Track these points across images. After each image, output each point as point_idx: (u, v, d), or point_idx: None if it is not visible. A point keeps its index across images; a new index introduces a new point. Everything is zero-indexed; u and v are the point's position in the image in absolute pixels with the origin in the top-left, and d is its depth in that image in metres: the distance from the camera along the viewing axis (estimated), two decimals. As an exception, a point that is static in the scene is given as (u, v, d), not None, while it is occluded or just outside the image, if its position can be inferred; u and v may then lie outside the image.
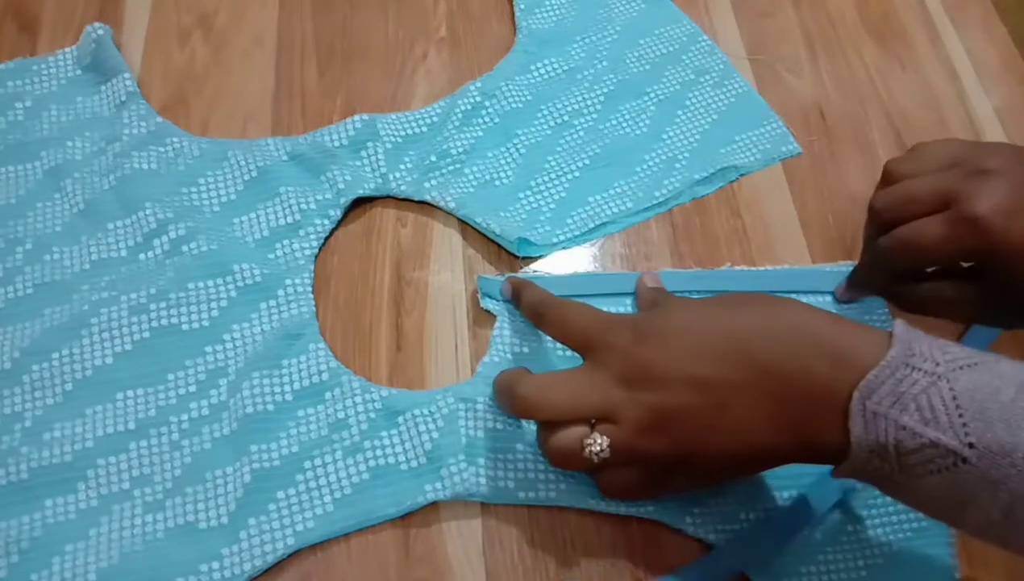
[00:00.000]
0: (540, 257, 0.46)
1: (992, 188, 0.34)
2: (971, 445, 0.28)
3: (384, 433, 0.40)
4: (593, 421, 0.35)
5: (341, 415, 0.40)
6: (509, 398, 0.37)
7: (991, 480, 0.28)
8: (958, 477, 0.29)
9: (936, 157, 0.37)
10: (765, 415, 0.33)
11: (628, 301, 0.45)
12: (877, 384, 0.30)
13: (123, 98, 0.49)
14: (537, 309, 0.40)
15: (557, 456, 0.36)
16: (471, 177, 0.48)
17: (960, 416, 0.29)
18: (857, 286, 0.44)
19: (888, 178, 0.38)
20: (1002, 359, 0.30)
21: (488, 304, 0.44)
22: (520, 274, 0.45)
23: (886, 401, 0.30)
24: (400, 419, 0.40)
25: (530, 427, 0.40)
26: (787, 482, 0.40)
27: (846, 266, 0.47)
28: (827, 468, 0.35)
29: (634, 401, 0.34)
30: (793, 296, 0.45)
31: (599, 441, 0.34)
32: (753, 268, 0.46)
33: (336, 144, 0.48)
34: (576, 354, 0.37)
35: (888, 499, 0.40)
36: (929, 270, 0.38)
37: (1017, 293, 0.34)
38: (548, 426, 0.36)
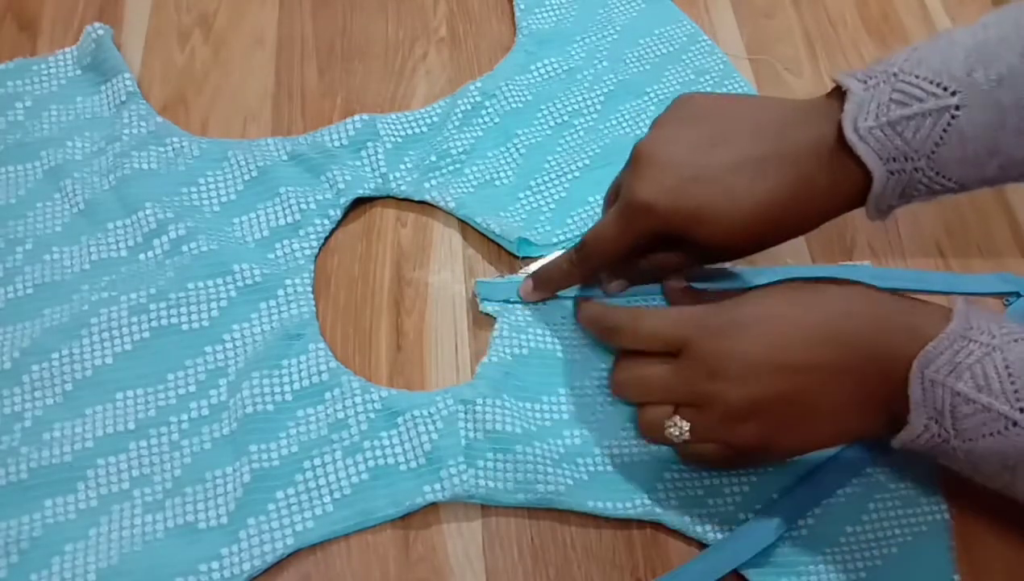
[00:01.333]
0: (540, 257, 0.46)
1: (646, 169, 0.38)
2: (1022, 410, 0.30)
3: (384, 434, 0.40)
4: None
5: (341, 415, 0.40)
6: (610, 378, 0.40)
7: None
8: (1009, 440, 0.31)
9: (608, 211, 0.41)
10: (852, 395, 0.34)
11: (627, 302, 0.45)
12: (936, 354, 0.32)
13: (123, 98, 0.49)
14: (604, 323, 0.41)
15: (644, 428, 0.38)
16: (471, 177, 0.48)
17: (1012, 384, 0.31)
18: (552, 282, 0.44)
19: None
20: None
21: (488, 308, 0.44)
22: (520, 274, 0.45)
23: (944, 370, 0.32)
24: (400, 420, 0.40)
25: (529, 428, 0.40)
26: (787, 479, 0.40)
27: (846, 266, 0.47)
28: (819, 460, 0.38)
29: (721, 394, 0.35)
30: None
31: (680, 426, 0.36)
32: (754, 267, 0.46)
33: (336, 144, 0.48)
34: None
35: (887, 503, 0.40)
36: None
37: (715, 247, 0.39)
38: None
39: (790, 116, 0.38)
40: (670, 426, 0.36)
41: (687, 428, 0.36)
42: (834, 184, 0.37)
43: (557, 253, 0.45)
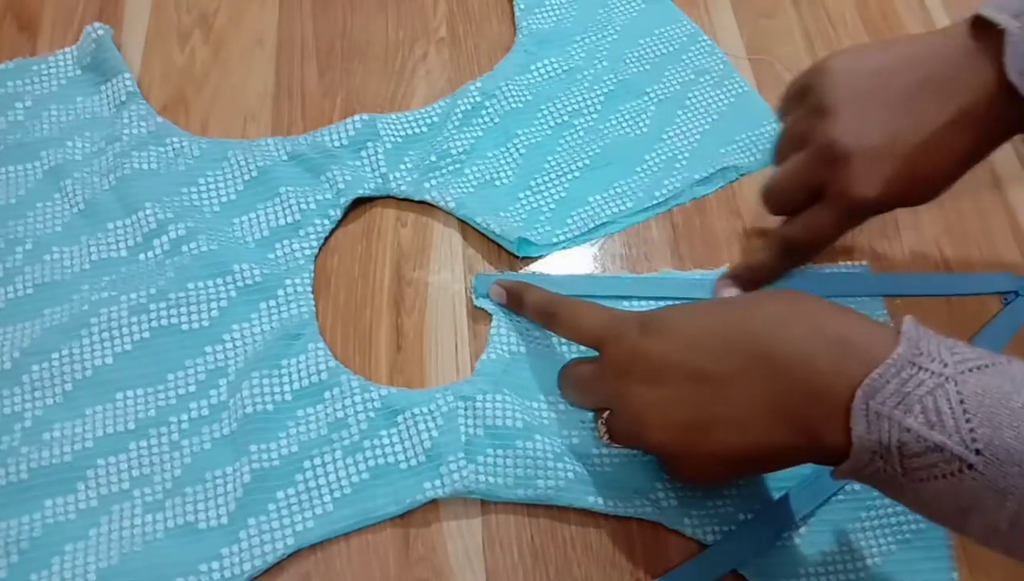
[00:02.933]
0: (540, 257, 0.46)
1: (855, 170, 0.38)
2: (978, 452, 0.27)
3: (383, 432, 0.40)
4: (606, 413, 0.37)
5: (340, 415, 0.40)
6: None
7: (998, 488, 0.27)
8: (963, 484, 0.28)
9: (792, 92, 0.43)
10: (763, 406, 0.32)
11: (625, 304, 0.45)
12: (882, 383, 0.29)
13: (123, 98, 0.49)
14: (546, 309, 0.41)
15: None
16: (471, 177, 0.48)
17: (968, 421, 0.28)
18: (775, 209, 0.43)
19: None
20: (1015, 361, 0.29)
21: (482, 303, 0.44)
22: (520, 274, 0.45)
23: (890, 401, 0.29)
24: (399, 418, 0.40)
25: (531, 423, 0.40)
26: (785, 483, 0.40)
27: (846, 267, 0.47)
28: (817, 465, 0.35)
29: (633, 393, 0.35)
30: None
31: (601, 431, 0.37)
32: None
33: (336, 144, 0.48)
34: (589, 350, 0.38)
35: (886, 501, 0.39)
36: None
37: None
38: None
39: (950, 70, 0.38)
40: (596, 429, 0.37)
41: (605, 433, 0.37)
42: (1003, 121, 0.37)
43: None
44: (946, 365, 0.29)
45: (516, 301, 0.43)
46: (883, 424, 0.29)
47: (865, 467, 0.30)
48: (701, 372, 0.33)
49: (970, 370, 0.29)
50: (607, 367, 0.37)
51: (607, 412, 0.37)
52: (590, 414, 0.41)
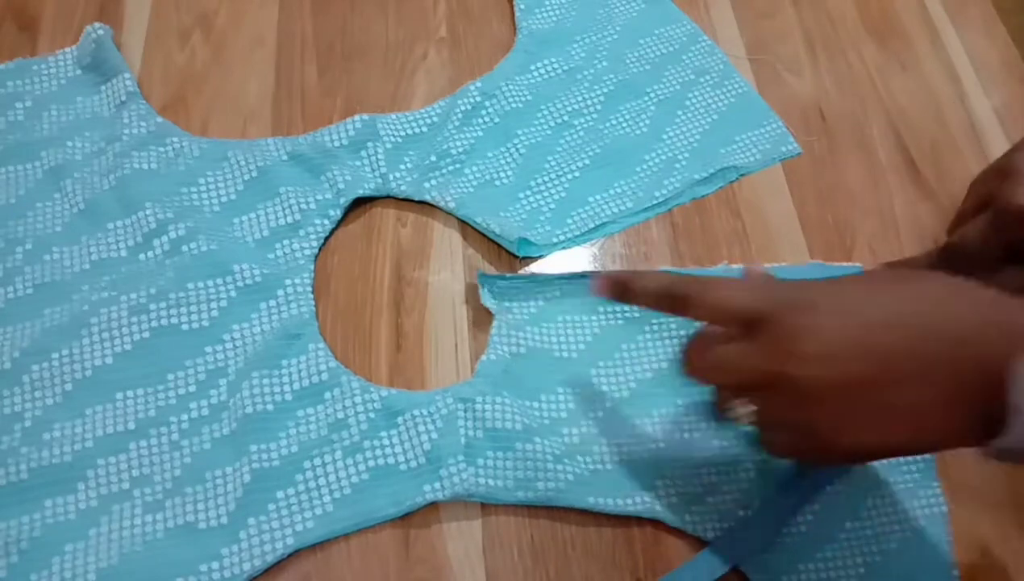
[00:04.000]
0: (540, 257, 0.46)
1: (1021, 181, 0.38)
2: None
3: (384, 433, 0.40)
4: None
5: (341, 415, 0.40)
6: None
7: None
8: None
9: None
10: (943, 397, 0.31)
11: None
12: None
13: (123, 98, 0.49)
14: (670, 291, 0.37)
15: (715, 409, 0.38)
16: (471, 177, 0.48)
17: None
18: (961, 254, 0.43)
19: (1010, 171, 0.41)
20: None
21: (488, 301, 0.44)
22: (521, 273, 0.45)
23: None
24: (399, 419, 0.40)
25: (530, 424, 0.40)
26: (785, 475, 0.40)
27: (845, 266, 0.47)
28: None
29: (792, 375, 0.32)
30: None
31: (739, 411, 0.35)
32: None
33: (336, 144, 0.48)
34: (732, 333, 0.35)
35: (887, 499, 0.40)
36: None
37: None
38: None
39: None
40: (735, 409, 0.35)
41: (744, 414, 0.35)
42: None
43: (557, 251, 0.45)
44: None
45: (622, 291, 0.39)
46: None
47: (1021, 439, 0.29)
48: (875, 352, 0.31)
49: None
50: (765, 345, 0.33)
51: (754, 392, 0.35)
52: (597, 412, 0.41)
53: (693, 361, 0.37)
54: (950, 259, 0.41)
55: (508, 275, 0.45)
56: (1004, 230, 0.39)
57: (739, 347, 0.34)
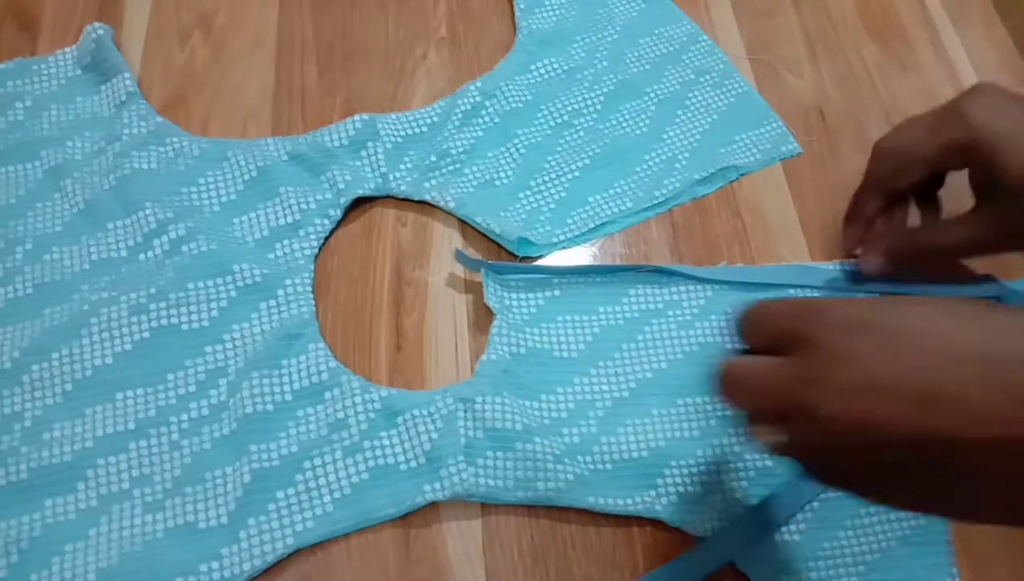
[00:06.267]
0: (540, 257, 0.46)
1: (980, 95, 0.39)
2: None
3: (383, 433, 0.40)
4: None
5: (340, 415, 0.40)
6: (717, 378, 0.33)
7: None
8: None
9: (921, 116, 0.42)
10: (1006, 484, 0.26)
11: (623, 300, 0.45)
12: None
13: (123, 98, 0.49)
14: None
15: (748, 437, 0.32)
16: (471, 177, 0.48)
17: None
18: (852, 219, 0.45)
19: (882, 150, 0.43)
20: None
21: (491, 298, 0.44)
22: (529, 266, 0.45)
23: None
24: (399, 419, 0.40)
25: (530, 424, 0.40)
26: (786, 474, 0.40)
27: (824, 267, 0.47)
28: None
29: (817, 404, 0.28)
30: (788, 291, 0.45)
31: (766, 436, 0.30)
32: (751, 266, 0.46)
33: (336, 144, 0.48)
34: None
35: None
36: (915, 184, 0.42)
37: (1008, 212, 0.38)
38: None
39: None
40: (762, 434, 0.30)
41: (773, 442, 0.30)
42: None
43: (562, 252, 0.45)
44: None
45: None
46: None
47: None
48: (933, 397, 0.26)
49: None
50: (797, 367, 0.29)
51: (786, 419, 0.30)
52: (597, 412, 0.41)
53: (726, 379, 0.32)
54: (880, 159, 0.43)
55: (514, 266, 0.45)
56: (942, 127, 0.40)
57: (773, 364, 0.30)
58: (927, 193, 0.45)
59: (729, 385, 0.32)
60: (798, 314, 0.30)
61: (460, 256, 0.44)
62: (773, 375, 0.30)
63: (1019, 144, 0.37)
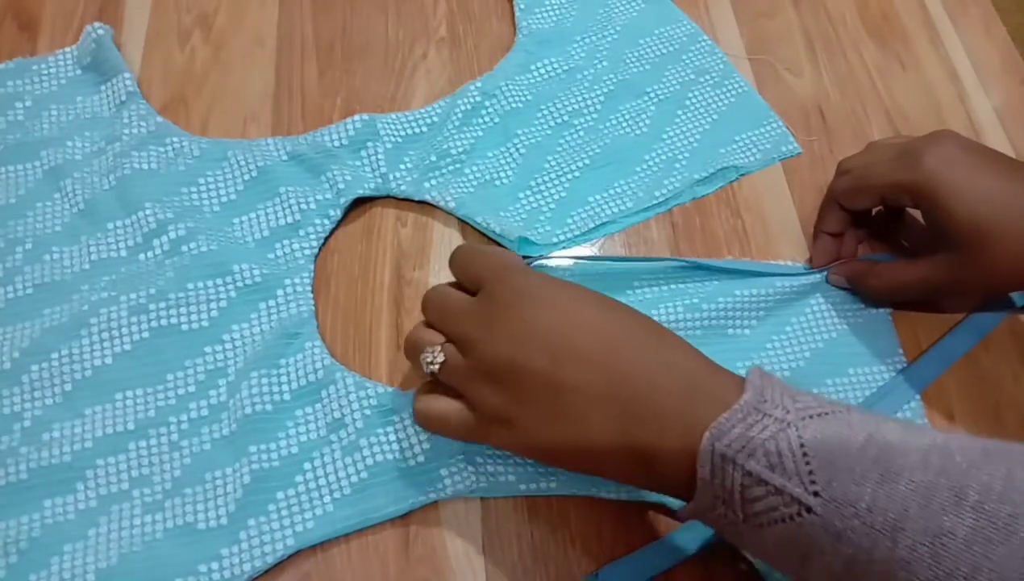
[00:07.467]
0: (540, 257, 0.46)
1: (939, 142, 0.40)
2: (816, 494, 0.28)
3: (380, 431, 0.40)
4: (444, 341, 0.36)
5: (338, 414, 0.40)
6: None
7: (835, 531, 0.28)
8: (802, 528, 0.28)
9: (887, 145, 0.44)
10: (610, 416, 0.32)
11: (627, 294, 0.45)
12: (728, 427, 0.30)
13: (123, 98, 0.49)
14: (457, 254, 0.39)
15: (407, 343, 0.38)
16: (471, 177, 0.48)
17: (807, 464, 0.28)
18: (816, 230, 0.47)
19: (842, 169, 0.46)
20: (853, 410, 0.30)
21: None
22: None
23: (735, 444, 0.29)
24: (396, 417, 0.40)
25: None
26: None
27: (792, 266, 0.47)
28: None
29: (486, 343, 0.34)
30: (771, 279, 0.46)
31: (435, 354, 0.36)
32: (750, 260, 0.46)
33: (336, 144, 0.48)
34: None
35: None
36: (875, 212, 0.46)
37: (962, 266, 0.39)
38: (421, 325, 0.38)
39: None
40: (428, 351, 0.36)
41: (440, 360, 0.35)
42: None
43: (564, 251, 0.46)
44: (788, 412, 0.30)
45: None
46: (727, 468, 0.29)
47: (709, 511, 0.31)
48: (564, 353, 0.33)
49: (811, 417, 0.29)
50: (479, 307, 0.35)
51: (449, 344, 0.36)
52: None
53: (426, 296, 0.38)
54: (840, 174, 0.46)
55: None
56: (889, 166, 0.42)
57: (464, 299, 0.36)
58: (894, 216, 0.46)
59: (427, 302, 0.38)
60: (490, 267, 0.36)
61: None
62: (458, 306, 0.36)
63: (965, 195, 0.38)
